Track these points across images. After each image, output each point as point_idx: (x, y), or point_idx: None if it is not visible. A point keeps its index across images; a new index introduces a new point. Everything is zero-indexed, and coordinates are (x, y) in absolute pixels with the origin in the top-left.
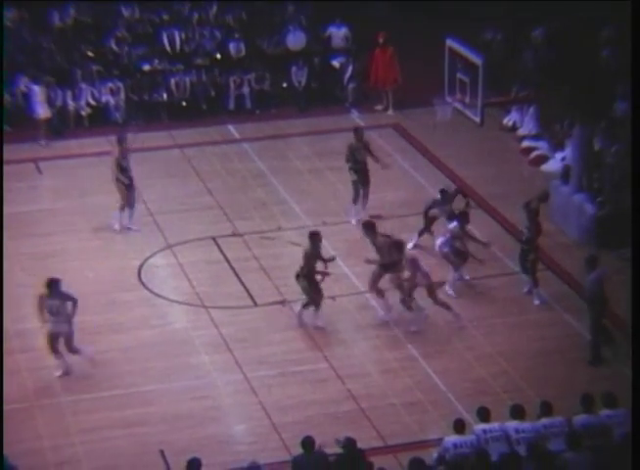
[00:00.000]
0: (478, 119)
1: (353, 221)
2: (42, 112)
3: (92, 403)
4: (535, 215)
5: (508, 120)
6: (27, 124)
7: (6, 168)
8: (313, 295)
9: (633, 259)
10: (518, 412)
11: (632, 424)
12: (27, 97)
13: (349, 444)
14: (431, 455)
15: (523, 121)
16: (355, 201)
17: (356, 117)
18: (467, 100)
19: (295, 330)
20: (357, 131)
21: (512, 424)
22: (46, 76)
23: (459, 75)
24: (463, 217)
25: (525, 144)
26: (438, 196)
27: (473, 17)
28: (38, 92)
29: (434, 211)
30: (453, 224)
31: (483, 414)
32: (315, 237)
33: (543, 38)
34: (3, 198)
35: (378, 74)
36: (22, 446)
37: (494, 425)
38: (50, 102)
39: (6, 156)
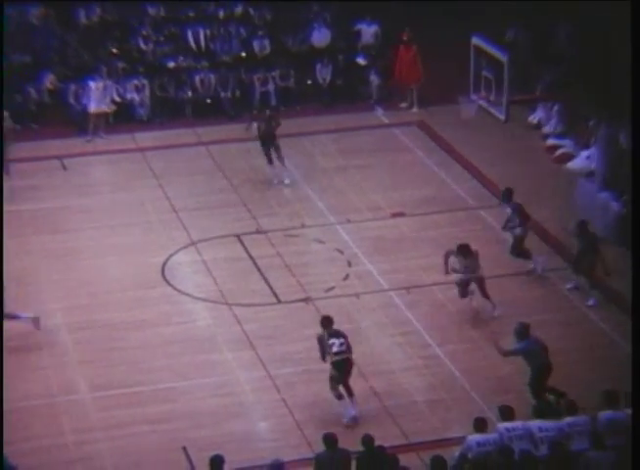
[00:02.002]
0: (502, 117)
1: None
2: (94, 107)
3: (116, 400)
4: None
5: (533, 118)
6: (53, 121)
7: (31, 165)
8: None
9: (633, 259)
10: (540, 411)
11: (632, 425)
12: (62, 92)
13: (368, 441)
14: (453, 454)
15: (548, 119)
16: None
17: (381, 115)
18: (492, 97)
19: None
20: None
21: (535, 423)
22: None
23: (484, 73)
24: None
25: (551, 142)
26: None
27: (498, 14)
28: (93, 87)
29: None
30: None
31: (507, 413)
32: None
33: (568, 36)
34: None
35: (402, 72)
36: (46, 442)
37: (518, 423)
38: (105, 97)
39: (31, 152)
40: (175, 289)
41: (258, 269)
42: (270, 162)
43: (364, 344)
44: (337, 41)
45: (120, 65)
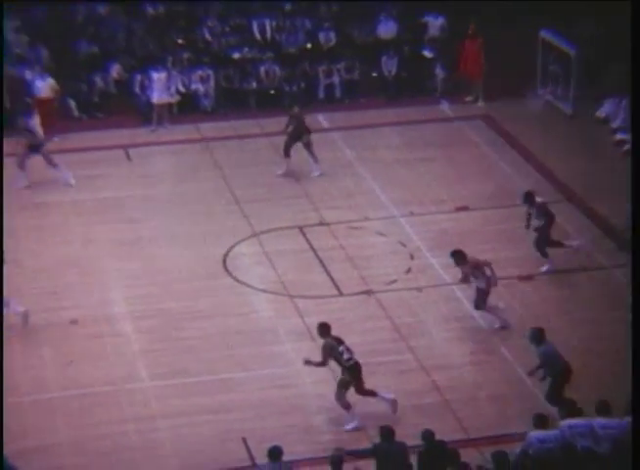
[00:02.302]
0: (569, 111)
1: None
2: (156, 97)
3: (176, 389)
4: None
5: (600, 113)
6: (118, 111)
7: (96, 154)
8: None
9: (633, 259)
10: (604, 408)
11: (632, 426)
12: (128, 82)
13: (428, 436)
14: (514, 450)
15: (616, 114)
16: None
17: (446, 108)
18: (559, 92)
19: (380, 320)
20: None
21: (598, 420)
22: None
23: (552, 67)
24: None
25: (619, 137)
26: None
27: (567, 9)
28: (155, 78)
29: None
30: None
31: (569, 409)
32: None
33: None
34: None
35: (467, 65)
36: (109, 429)
37: (580, 420)
38: (168, 88)
39: (96, 142)
40: (237, 280)
41: (320, 261)
42: (288, 155)
43: (426, 337)
44: (403, 33)
45: (186, 55)
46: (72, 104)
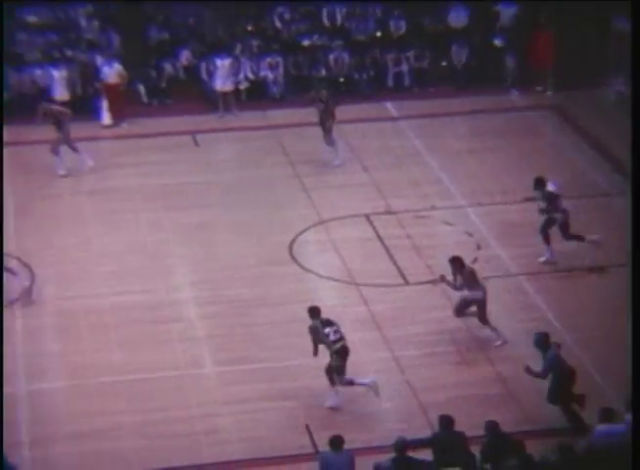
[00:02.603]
0: None
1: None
2: (220, 84)
3: (240, 375)
4: None
5: None
6: (187, 97)
7: (164, 140)
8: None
9: (633, 259)
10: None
11: (633, 426)
12: (196, 69)
13: (492, 426)
14: (579, 443)
15: None
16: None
17: (516, 98)
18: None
19: (445, 310)
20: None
21: None
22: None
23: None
24: None
25: None
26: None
27: None
28: (219, 65)
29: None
30: None
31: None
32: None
33: None
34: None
35: (537, 55)
36: (171, 414)
37: None
38: (232, 75)
39: (164, 128)
40: (302, 267)
41: (387, 250)
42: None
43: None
44: (474, 22)
45: (255, 42)
46: (142, 89)
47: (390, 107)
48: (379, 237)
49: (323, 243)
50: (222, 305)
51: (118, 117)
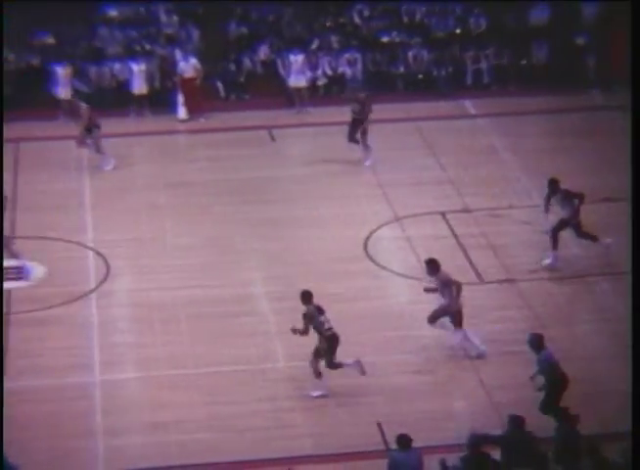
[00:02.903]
0: None
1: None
2: (292, 80)
3: (305, 371)
4: None
5: None
6: (264, 92)
7: (240, 135)
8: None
9: (633, 259)
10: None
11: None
12: (274, 64)
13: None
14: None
15: None
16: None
17: (596, 97)
18: None
19: (520, 309)
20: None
21: None
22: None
23: None
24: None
25: None
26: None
27: None
28: (292, 61)
29: None
30: None
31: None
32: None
33: None
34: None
35: (617, 54)
36: (243, 407)
37: None
38: (304, 71)
39: (241, 122)
40: (377, 264)
41: (462, 248)
42: (352, 140)
43: (566, 328)
44: (556, 20)
45: (334, 38)
46: (220, 84)
47: (469, 104)
48: (454, 235)
49: (398, 240)
50: (295, 300)
51: (196, 111)
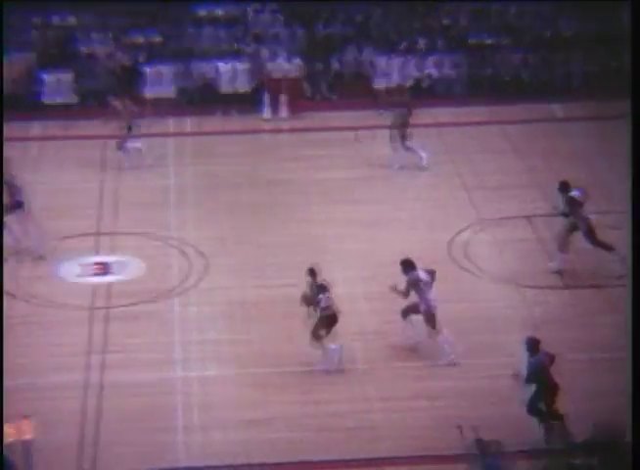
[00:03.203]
0: None
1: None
2: (376, 82)
3: (392, 373)
4: None
5: None
6: (351, 93)
7: (326, 135)
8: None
9: (633, 260)
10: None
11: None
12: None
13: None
14: None
15: None
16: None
17: None
18: None
19: (606, 316)
20: None
21: None
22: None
23: None
24: None
25: None
26: None
27: None
28: (377, 63)
29: None
30: None
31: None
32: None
33: None
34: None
35: None
36: (322, 408)
37: None
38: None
39: (327, 123)
40: (461, 267)
41: (548, 252)
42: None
43: None
44: None
45: (422, 40)
46: (308, 85)
47: (557, 108)
48: (539, 239)
49: (482, 243)
50: (379, 301)
51: (292, 110)
